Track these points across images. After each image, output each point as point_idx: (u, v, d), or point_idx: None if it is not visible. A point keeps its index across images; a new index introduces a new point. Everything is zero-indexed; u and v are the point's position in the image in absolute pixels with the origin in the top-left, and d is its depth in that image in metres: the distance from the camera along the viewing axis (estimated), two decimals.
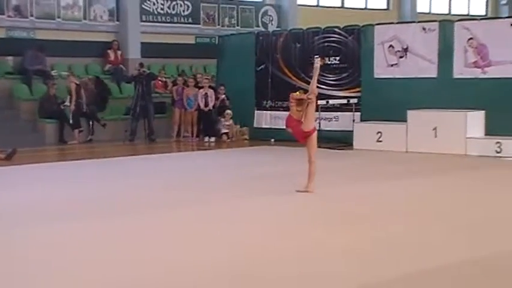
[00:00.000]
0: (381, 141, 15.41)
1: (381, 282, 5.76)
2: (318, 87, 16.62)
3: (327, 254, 6.66)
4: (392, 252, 6.70)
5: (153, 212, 8.81)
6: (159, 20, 21.56)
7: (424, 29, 16.11)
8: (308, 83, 17.10)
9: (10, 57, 18.98)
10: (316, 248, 6.92)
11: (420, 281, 5.82)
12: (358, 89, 16.94)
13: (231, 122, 18.19)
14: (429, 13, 27.58)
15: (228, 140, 17.91)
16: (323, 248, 6.91)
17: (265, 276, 5.96)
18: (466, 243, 7.03)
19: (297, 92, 10.14)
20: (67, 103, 17.78)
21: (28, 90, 18.52)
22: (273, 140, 17.10)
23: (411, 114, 15.06)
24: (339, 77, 17.27)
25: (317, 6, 25.49)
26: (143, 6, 21.15)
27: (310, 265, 6.26)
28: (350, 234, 7.49)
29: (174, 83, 19.27)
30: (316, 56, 10.82)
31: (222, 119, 18.19)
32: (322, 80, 17.27)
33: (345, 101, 16.83)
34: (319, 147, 15.11)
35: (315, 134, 9.97)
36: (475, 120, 14.63)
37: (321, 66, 10.43)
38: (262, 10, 23.96)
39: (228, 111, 18.14)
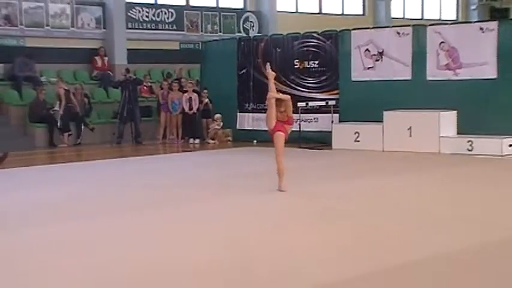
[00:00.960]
0: (358, 141, 15.48)
1: (359, 276, 5.79)
2: (298, 90, 16.90)
3: (307, 249, 6.67)
4: (369, 247, 6.73)
5: (141, 211, 8.80)
6: (145, 27, 21.54)
7: (398, 33, 16.19)
8: (288, 86, 17.30)
9: (0, 65, 18.90)
10: (296, 243, 6.93)
11: (397, 275, 5.85)
12: (336, 91, 17.00)
13: (221, 124, 18.19)
14: (403, 18, 27.71)
15: (213, 142, 17.88)
16: (303, 243, 6.93)
17: (250, 271, 5.98)
18: (439, 238, 7.05)
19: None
20: (56, 108, 17.73)
21: (18, 96, 18.46)
22: (255, 141, 17.12)
23: (387, 114, 15.14)
24: (318, 80, 17.33)
25: (296, 12, 25.55)
26: (129, 13, 21.13)
27: (292, 260, 6.27)
28: (329, 230, 7.51)
29: (160, 87, 19.27)
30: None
31: (214, 122, 18.16)
32: (302, 83, 17.40)
33: (323, 103, 16.87)
34: (299, 147, 15.29)
35: (278, 134, 9.87)
36: (448, 120, 14.72)
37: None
38: (244, 17, 23.99)
39: (218, 115, 18.13)
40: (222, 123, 18.16)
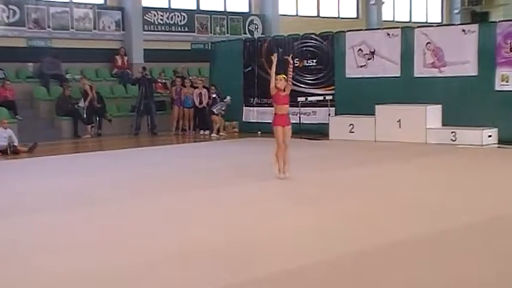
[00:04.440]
0: (353, 132, 15.46)
1: (341, 255, 5.79)
2: (297, 86, 16.89)
3: (295, 231, 6.67)
4: (349, 231, 6.68)
5: (154, 196, 8.82)
6: (159, 29, 21.51)
7: (388, 34, 16.15)
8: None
9: (30, 64, 18.93)
10: (287, 225, 6.94)
11: (376, 255, 5.83)
12: (332, 87, 16.97)
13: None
14: (393, 21, 27.61)
15: (221, 134, 17.81)
16: (292, 225, 6.93)
17: (241, 251, 5.99)
18: (414, 222, 7.03)
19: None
20: (81, 104, 17.71)
21: (46, 92, 18.47)
22: (259, 132, 17.11)
23: (379, 108, 15.11)
24: (316, 77, 17.29)
25: (296, 15, 25.47)
26: (145, 17, 21.10)
27: (283, 241, 6.29)
28: (320, 214, 7.51)
29: (173, 84, 19.22)
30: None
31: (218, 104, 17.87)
32: (302, 79, 17.36)
33: (321, 98, 16.84)
34: (299, 137, 15.35)
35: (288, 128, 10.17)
36: (434, 113, 14.69)
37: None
38: (249, 19, 23.93)
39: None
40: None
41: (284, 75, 10.02)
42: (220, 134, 17.56)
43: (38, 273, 5.45)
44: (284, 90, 9.91)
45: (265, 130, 16.38)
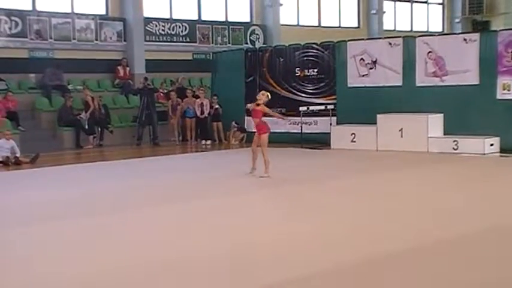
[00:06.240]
0: (354, 141, 15.46)
1: (342, 264, 5.79)
2: (298, 95, 16.97)
3: (296, 239, 6.68)
4: (353, 239, 6.70)
5: (157, 207, 8.82)
6: (161, 39, 21.56)
7: (390, 44, 16.17)
8: (290, 92, 17.35)
9: (32, 75, 18.97)
10: (289, 233, 6.95)
11: (378, 264, 5.83)
12: (334, 97, 16.98)
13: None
14: (394, 30, 27.62)
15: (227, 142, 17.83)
16: (294, 233, 6.94)
17: (246, 257, 6.00)
18: (419, 229, 7.05)
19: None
20: (82, 116, 17.72)
21: (48, 103, 18.49)
22: None
23: (380, 117, 15.12)
24: (317, 87, 17.32)
25: (297, 25, 25.53)
26: (147, 28, 21.16)
27: (284, 249, 6.31)
28: (323, 221, 7.54)
29: (168, 96, 19.20)
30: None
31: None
32: (303, 89, 17.40)
33: (322, 107, 16.86)
34: (301, 147, 15.32)
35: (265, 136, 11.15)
36: (435, 122, 14.70)
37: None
38: (250, 29, 24.00)
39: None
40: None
41: (268, 94, 11.41)
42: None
43: (38, 278, 5.49)
44: (258, 105, 11.11)
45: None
